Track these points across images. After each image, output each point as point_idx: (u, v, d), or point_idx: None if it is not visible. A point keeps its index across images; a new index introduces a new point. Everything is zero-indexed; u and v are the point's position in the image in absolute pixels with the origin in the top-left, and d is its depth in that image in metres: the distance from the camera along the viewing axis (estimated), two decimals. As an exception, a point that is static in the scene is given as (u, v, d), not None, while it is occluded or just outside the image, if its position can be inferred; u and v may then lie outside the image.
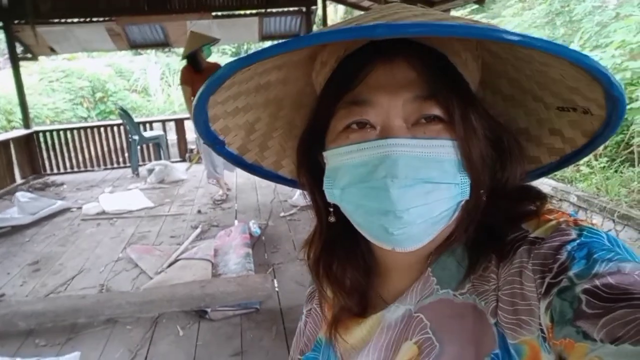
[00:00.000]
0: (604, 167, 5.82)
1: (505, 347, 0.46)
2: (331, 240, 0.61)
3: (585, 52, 6.55)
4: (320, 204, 0.59)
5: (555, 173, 5.84)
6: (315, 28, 8.69)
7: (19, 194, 5.27)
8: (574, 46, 7.22)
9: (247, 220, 4.45)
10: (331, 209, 0.56)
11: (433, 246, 0.54)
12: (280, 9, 7.63)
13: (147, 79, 17.38)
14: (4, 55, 16.83)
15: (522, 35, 0.37)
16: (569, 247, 0.42)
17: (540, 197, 0.52)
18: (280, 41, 0.40)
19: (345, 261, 0.61)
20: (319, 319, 0.68)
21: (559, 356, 0.38)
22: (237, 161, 0.66)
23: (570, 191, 4.97)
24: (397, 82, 0.48)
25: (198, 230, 4.36)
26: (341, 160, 0.50)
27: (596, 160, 5.90)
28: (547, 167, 0.61)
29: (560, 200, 4.93)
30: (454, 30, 0.38)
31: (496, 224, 0.51)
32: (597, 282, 0.37)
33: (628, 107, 5.47)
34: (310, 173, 0.59)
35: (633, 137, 5.78)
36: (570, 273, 0.40)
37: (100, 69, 16.02)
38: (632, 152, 5.23)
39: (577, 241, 0.42)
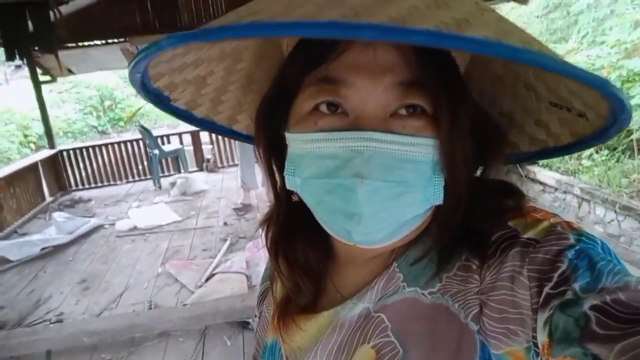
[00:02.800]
0: (605, 159, 6.06)
1: (488, 357, 0.43)
2: (292, 220, 0.56)
3: (582, 49, 6.80)
4: (279, 181, 0.53)
5: (559, 166, 6.11)
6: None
7: (55, 215, 5.63)
8: (572, 43, 7.47)
9: (271, 231, 4.78)
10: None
11: (400, 243, 0.50)
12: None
13: (153, 85, 17.73)
14: (9, 67, 17.16)
15: (530, 52, 0.30)
16: (569, 254, 0.39)
17: (518, 193, 0.49)
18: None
19: (305, 243, 0.57)
20: (267, 322, 0.64)
21: None
22: (184, 116, 0.59)
23: (574, 183, 5.24)
24: (378, 64, 0.41)
25: (227, 243, 4.70)
26: (306, 148, 0.45)
27: (597, 153, 6.16)
28: (524, 155, 0.56)
29: (565, 192, 5.22)
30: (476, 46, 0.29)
31: (471, 219, 0.47)
32: (606, 298, 0.34)
33: (625, 103, 5.72)
34: (269, 145, 0.53)
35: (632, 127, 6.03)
36: (575, 285, 0.37)
37: (107, 78, 16.38)
38: (632, 140, 5.47)
39: (576, 247, 0.39)
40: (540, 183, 5.62)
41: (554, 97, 0.46)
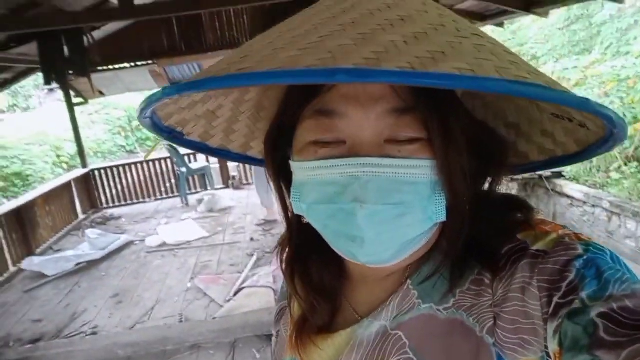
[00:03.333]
0: (635, 172, 5.94)
1: None
2: (305, 242, 0.58)
3: (606, 60, 6.74)
4: (290, 205, 0.54)
5: (586, 179, 6.00)
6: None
7: (88, 232, 5.83)
8: (595, 54, 7.41)
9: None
10: None
11: (411, 261, 0.51)
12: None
13: (179, 105, 18.22)
14: (42, 91, 17.81)
15: (504, 82, 0.32)
16: (577, 264, 0.40)
17: (527, 206, 0.50)
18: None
19: (319, 264, 0.58)
20: (284, 340, 0.64)
21: None
22: (200, 148, 0.61)
23: (603, 197, 5.14)
24: (368, 94, 0.43)
25: (254, 258, 4.79)
26: (308, 175, 0.47)
27: (626, 165, 6.05)
28: (536, 164, 0.57)
29: (594, 206, 5.14)
30: (438, 82, 0.31)
31: (481, 234, 0.48)
32: (613, 305, 0.35)
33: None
34: (278, 171, 0.55)
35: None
36: (582, 294, 0.38)
37: (135, 99, 16.88)
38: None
39: (584, 257, 0.41)
40: (568, 197, 5.54)
41: (554, 108, 0.46)
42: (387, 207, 0.43)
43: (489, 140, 0.49)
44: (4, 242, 5.28)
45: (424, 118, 0.43)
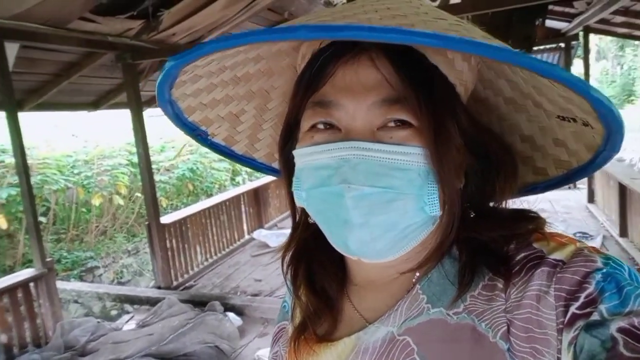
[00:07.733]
0: None
1: None
2: (309, 242, 0.58)
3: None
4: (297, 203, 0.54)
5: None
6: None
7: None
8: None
9: None
10: None
11: (410, 263, 0.50)
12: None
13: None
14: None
15: (473, 43, 0.33)
16: (596, 277, 0.39)
17: (538, 217, 0.50)
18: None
19: (323, 269, 0.58)
20: None
21: None
22: (224, 152, 0.63)
23: None
24: (361, 84, 0.45)
25: None
26: (305, 161, 0.48)
27: None
28: (555, 180, 0.57)
29: None
30: (392, 37, 0.32)
31: (492, 240, 0.48)
32: (634, 321, 0.35)
33: None
34: (289, 169, 0.55)
35: None
36: (602, 307, 0.37)
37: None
38: None
39: (604, 271, 0.40)
40: None
41: (557, 109, 0.48)
42: (375, 190, 0.44)
43: (497, 146, 0.50)
44: (244, 214, 6.49)
45: (412, 107, 0.44)
